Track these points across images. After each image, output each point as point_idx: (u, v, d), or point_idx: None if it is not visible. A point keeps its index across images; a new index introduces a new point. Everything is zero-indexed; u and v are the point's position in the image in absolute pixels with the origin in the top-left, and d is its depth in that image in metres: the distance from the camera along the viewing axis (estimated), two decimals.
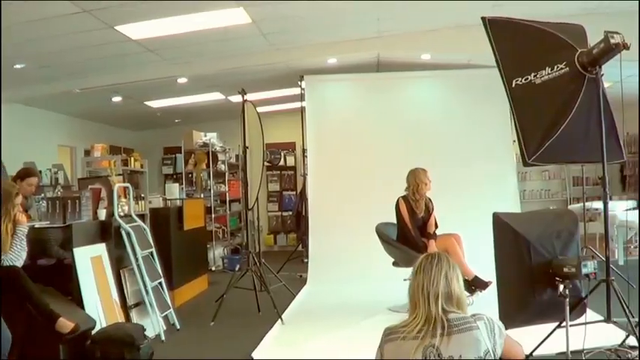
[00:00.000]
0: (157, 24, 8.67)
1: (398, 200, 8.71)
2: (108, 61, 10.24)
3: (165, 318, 8.05)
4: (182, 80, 11.68)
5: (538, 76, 6.09)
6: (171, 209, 10.48)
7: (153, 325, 7.63)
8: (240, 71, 11.36)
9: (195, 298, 10.32)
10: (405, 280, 7.92)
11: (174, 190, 12.12)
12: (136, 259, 7.81)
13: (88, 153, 11.63)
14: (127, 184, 8.79)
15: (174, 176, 16.12)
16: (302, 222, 13.50)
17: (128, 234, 7.83)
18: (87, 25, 8.21)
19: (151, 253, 8.29)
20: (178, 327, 8.16)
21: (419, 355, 3.08)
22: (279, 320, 8.20)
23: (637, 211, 12.00)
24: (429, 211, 8.77)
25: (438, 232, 8.77)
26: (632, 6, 9.15)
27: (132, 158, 10.93)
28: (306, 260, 12.22)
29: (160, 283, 8.24)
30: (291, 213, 17.00)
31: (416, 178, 8.71)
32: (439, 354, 3.07)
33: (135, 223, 8.23)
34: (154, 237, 8.68)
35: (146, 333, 6.70)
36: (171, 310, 8.26)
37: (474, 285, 8.14)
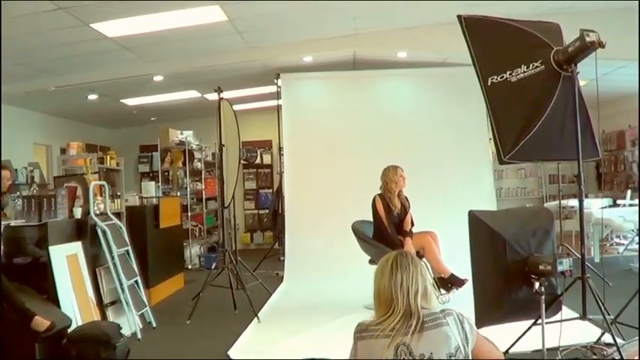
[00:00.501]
0: (133, 22, 8.62)
1: (374, 198, 8.69)
2: (84, 58, 10.16)
3: (142, 316, 8.02)
4: (158, 78, 11.62)
5: (514, 74, 6.11)
6: (147, 207, 10.43)
7: (129, 323, 7.59)
8: (216, 69, 11.32)
9: (172, 297, 10.28)
10: None
11: (150, 188, 12.07)
12: (112, 258, 7.76)
13: (63, 151, 11.57)
14: (103, 182, 8.75)
15: (151, 174, 16.05)
16: (278, 220, 13.48)
17: (104, 232, 7.77)
18: (62, 23, 8.14)
19: (127, 252, 8.24)
20: (155, 325, 8.13)
21: (390, 354, 3.07)
22: (256, 318, 8.18)
23: (612, 209, 12.09)
24: (405, 209, 8.76)
25: (415, 230, 8.77)
26: (608, 5, 9.21)
27: (108, 156, 10.87)
28: (282, 258, 12.19)
29: (136, 282, 8.20)
30: (267, 211, 16.98)
31: (386, 176, 8.72)
32: (410, 352, 3.06)
33: (111, 222, 8.17)
34: (130, 235, 8.64)
35: (122, 331, 6.65)
36: (148, 308, 8.22)
37: (451, 282, 8.14)
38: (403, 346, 3.07)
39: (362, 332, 3.22)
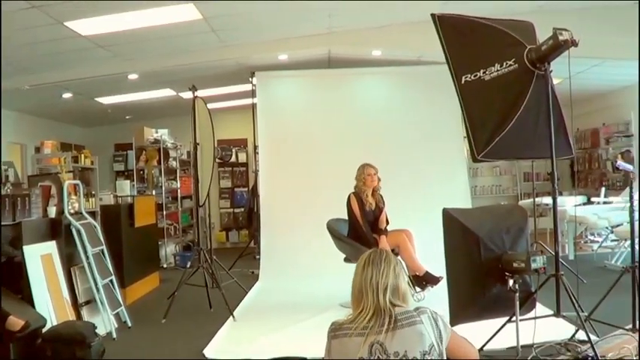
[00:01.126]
0: (108, 20, 8.56)
1: (349, 196, 8.70)
2: (58, 57, 10.09)
3: (117, 316, 7.97)
4: (133, 76, 11.55)
5: (487, 72, 6.13)
6: (122, 206, 10.36)
7: (104, 322, 7.55)
8: (191, 68, 11.27)
9: (147, 296, 10.23)
10: None
11: (125, 187, 12.02)
12: (87, 257, 7.72)
13: (38, 150, 11.49)
14: (77, 182, 8.70)
15: (126, 173, 15.94)
16: (254, 218, 13.47)
17: (78, 231, 7.73)
18: (36, 21, 8.07)
19: (102, 251, 8.20)
20: (130, 325, 8.08)
21: (365, 352, 3.08)
22: (231, 317, 8.15)
23: (586, 206, 12.19)
24: (380, 208, 8.78)
25: (389, 228, 8.79)
26: (582, 4, 9.26)
27: (82, 155, 10.78)
28: (258, 257, 12.19)
29: (111, 281, 8.16)
30: (243, 209, 17.00)
31: (357, 175, 8.78)
32: (385, 350, 3.07)
33: (85, 221, 8.13)
34: (105, 234, 8.60)
35: (97, 331, 6.63)
36: (123, 307, 8.18)
37: (425, 280, 8.17)
38: (377, 345, 3.08)
39: (335, 331, 3.22)
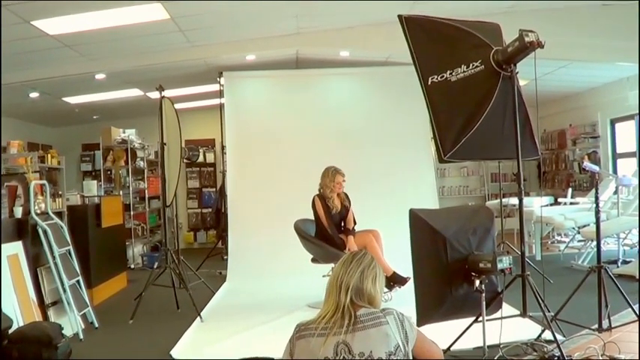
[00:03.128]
0: (75, 19, 8.49)
1: (314, 198, 8.70)
2: (24, 56, 9.99)
3: (84, 316, 7.93)
4: (100, 76, 11.46)
5: (454, 73, 6.15)
6: (88, 206, 10.31)
7: (71, 323, 7.51)
8: (158, 67, 11.21)
9: (114, 296, 10.17)
10: (324, 276, 7.95)
11: (92, 187, 11.96)
12: (53, 257, 7.68)
13: (4, 150, 11.40)
14: (44, 182, 8.63)
15: (93, 173, 15.87)
16: (221, 219, 13.43)
17: (45, 232, 7.69)
18: (2, 20, 8.01)
19: (69, 251, 8.15)
20: (97, 325, 8.04)
21: (329, 351, 3.09)
22: (199, 318, 8.13)
23: (553, 207, 12.28)
24: (346, 208, 8.78)
25: (357, 228, 8.80)
26: (549, 4, 9.32)
27: (49, 155, 10.69)
28: (225, 257, 12.15)
29: (78, 282, 8.11)
30: (210, 210, 16.97)
31: (323, 180, 8.78)
32: (350, 350, 3.08)
33: (52, 221, 8.08)
34: (72, 235, 8.56)
35: (64, 332, 6.59)
36: (90, 308, 8.14)
37: (393, 281, 8.18)
38: (342, 344, 3.09)
39: (301, 331, 3.23)
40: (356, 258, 3.35)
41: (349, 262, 3.33)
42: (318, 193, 8.77)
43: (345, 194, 8.87)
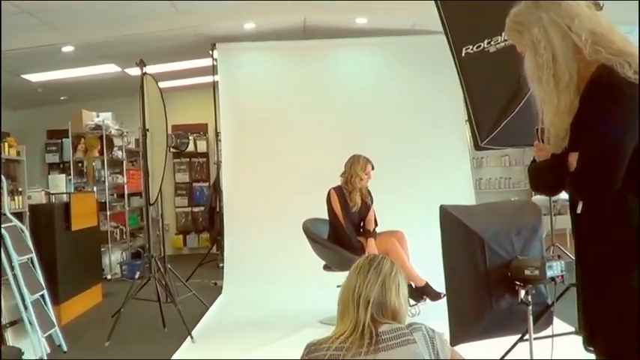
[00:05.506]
0: None
1: (329, 192, 8.70)
2: None
3: (49, 338, 7.94)
4: (68, 49, 11.47)
5: (492, 43, 6.12)
6: (55, 206, 10.33)
7: (33, 347, 7.51)
8: (138, 39, 11.23)
9: (87, 314, 10.20)
10: (338, 286, 7.94)
11: (59, 183, 11.99)
12: (12, 268, 7.66)
13: None
14: (0, 177, 8.65)
15: (61, 166, 15.90)
16: (216, 219, 13.47)
17: (1, 237, 7.68)
18: None
19: (31, 260, 8.16)
20: (65, 349, 8.05)
21: None
22: (189, 338, 8.16)
23: None
24: (367, 206, 8.77)
25: (378, 229, 8.78)
26: None
27: (6, 144, 10.75)
28: (221, 265, 12.18)
29: (43, 296, 8.11)
30: (203, 209, 16.94)
31: (352, 167, 8.72)
32: None
33: (10, 224, 8.06)
34: (35, 240, 8.53)
35: (24, 357, 6.60)
36: (57, 328, 8.14)
37: (424, 293, 8.18)
38: None
39: (311, 352, 3.21)
40: (373, 265, 3.30)
41: (366, 270, 3.28)
42: (336, 185, 8.73)
43: (368, 190, 8.85)
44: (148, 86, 9.47)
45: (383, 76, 12.46)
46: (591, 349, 3.44)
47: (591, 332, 3.40)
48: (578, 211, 3.30)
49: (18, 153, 10.90)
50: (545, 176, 3.43)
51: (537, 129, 3.53)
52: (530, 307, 5.44)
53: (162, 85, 9.91)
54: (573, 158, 3.11)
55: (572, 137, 3.12)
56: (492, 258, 5.53)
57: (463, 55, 6.11)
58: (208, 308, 9.85)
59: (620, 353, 3.15)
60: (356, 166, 8.71)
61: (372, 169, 8.75)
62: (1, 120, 14.93)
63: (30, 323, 7.62)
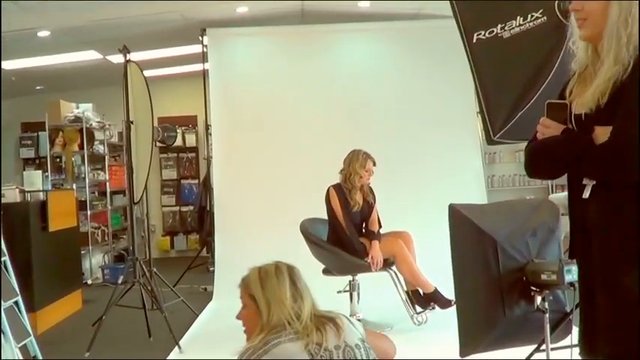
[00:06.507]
0: None
1: (328, 190, 8.68)
2: None
3: (24, 348, 7.92)
4: (44, 34, 11.46)
5: (506, 28, 6.12)
6: (31, 204, 10.31)
7: (6, 358, 7.52)
8: (121, 23, 11.22)
9: (65, 322, 10.22)
10: (339, 292, 7.94)
11: (35, 180, 11.97)
12: None
13: None
14: None
15: (37, 161, 15.96)
16: (206, 219, 13.48)
17: None
18: None
19: (4, 263, 8.14)
20: None
21: (305, 355, 3.32)
22: (177, 348, 8.18)
23: None
24: (369, 205, 8.76)
25: (382, 230, 8.78)
26: None
27: None
28: (211, 269, 12.18)
29: (17, 303, 8.10)
30: (192, 208, 16.96)
31: (350, 164, 8.70)
32: (326, 348, 3.34)
33: None
34: (8, 242, 8.48)
35: None
36: (32, 337, 8.10)
37: (433, 300, 8.17)
38: (314, 345, 3.35)
39: (258, 349, 3.53)
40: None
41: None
42: (335, 183, 8.73)
43: (370, 188, 8.84)
44: (132, 75, 9.48)
45: (386, 64, 12.45)
46: None
47: (591, 337, 3.42)
48: (585, 195, 3.29)
49: None
50: (556, 153, 3.41)
51: (548, 103, 3.52)
52: (547, 315, 5.45)
53: (148, 73, 9.94)
54: (601, 131, 3.10)
55: (606, 110, 3.09)
56: (506, 261, 5.53)
57: (474, 41, 6.12)
58: (197, 316, 9.88)
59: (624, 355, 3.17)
60: (355, 162, 8.67)
61: (374, 165, 8.72)
62: None
63: (2, 332, 7.62)
